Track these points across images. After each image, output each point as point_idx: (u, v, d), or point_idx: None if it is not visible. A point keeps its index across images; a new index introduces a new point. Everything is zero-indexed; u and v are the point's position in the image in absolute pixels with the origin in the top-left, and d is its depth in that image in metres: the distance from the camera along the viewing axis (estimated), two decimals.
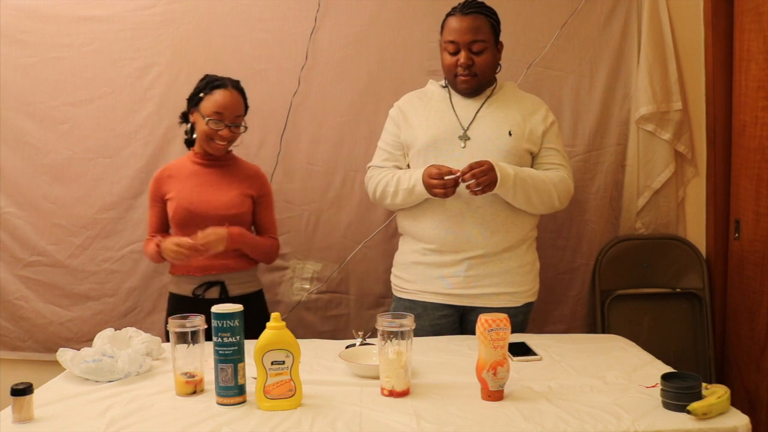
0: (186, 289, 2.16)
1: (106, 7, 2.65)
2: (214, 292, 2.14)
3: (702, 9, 2.68)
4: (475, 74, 2.10)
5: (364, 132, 2.66)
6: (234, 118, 2.13)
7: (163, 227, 2.22)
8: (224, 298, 2.12)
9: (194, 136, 2.19)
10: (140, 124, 2.68)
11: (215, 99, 2.11)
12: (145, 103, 2.68)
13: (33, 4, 2.65)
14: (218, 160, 2.19)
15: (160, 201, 2.19)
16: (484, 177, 1.96)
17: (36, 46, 2.67)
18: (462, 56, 2.08)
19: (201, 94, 2.14)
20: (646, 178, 2.71)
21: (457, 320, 2.21)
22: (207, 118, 2.10)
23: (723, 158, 2.66)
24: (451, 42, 2.10)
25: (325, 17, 2.66)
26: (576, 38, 2.67)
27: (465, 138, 2.10)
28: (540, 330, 2.56)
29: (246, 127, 2.19)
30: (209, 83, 2.15)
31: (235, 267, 2.17)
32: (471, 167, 1.97)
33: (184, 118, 2.24)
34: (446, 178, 1.99)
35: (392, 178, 2.15)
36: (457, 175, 1.98)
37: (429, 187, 2.03)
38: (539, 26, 2.66)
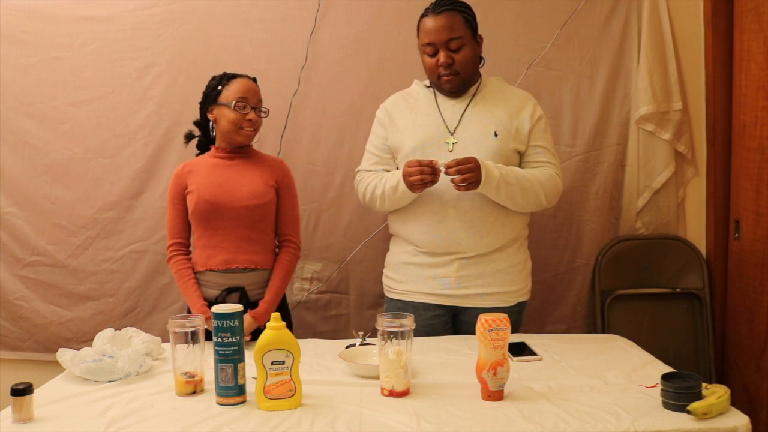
0: (207, 294, 2.10)
1: (106, 7, 2.65)
2: (233, 298, 2.08)
3: (702, 9, 2.68)
4: (456, 72, 2.08)
5: (364, 132, 2.64)
6: (257, 102, 2.11)
7: (185, 229, 2.14)
8: (244, 304, 2.07)
9: (213, 134, 2.15)
10: (140, 124, 2.68)
11: (236, 86, 2.09)
12: (145, 103, 2.68)
13: (33, 4, 2.65)
14: (240, 153, 2.14)
15: (181, 198, 2.12)
16: (469, 174, 1.95)
17: (36, 46, 2.67)
18: (441, 56, 2.06)
19: (219, 87, 2.11)
20: (646, 178, 2.71)
21: (450, 320, 2.20)
22: (233, 103, 2.06)
23: (723, 158, 2.66)
24: (428, 44, 2.08)
25: (325, 17, 2.66)
26: (576, 38, 2.67)
27: (452, 142, 2.09)
28: (540, 330, 2.56)
29: (268, 111, 2.16)
30: (224, 76, 2.14)
31: (258, 263, 2.12)
32: (458, 162, 1.95)
33: (199, 125, 2.21)
34: (424, 169, 1.96)
35: (380, 180, 2.14)
36: (436, 164, 1.96)
37: (406, 177, 2.00)
38: (539, 26, 2.66)
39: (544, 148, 2.14)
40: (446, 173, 1.96)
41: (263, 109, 2.14)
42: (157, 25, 2.66)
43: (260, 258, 2.12)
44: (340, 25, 2.67)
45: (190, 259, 2.14)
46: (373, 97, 2.64)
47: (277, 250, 2.19)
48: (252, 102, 2.10)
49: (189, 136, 2.23)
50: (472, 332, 2.03)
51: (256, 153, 2.20)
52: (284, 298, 2.25)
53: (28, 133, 2.69)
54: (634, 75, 2.68)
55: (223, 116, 2.09)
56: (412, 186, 2.00)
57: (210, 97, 2.13)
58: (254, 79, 2.17)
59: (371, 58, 2.68)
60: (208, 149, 2.20)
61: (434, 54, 2.08)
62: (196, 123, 2.22)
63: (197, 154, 2.24)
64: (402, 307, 2.15)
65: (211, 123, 2.14)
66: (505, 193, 2.03)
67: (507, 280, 2.13)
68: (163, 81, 2.67)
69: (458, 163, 1.95)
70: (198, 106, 2.20)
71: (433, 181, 1.98)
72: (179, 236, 2.14)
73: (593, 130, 2.69)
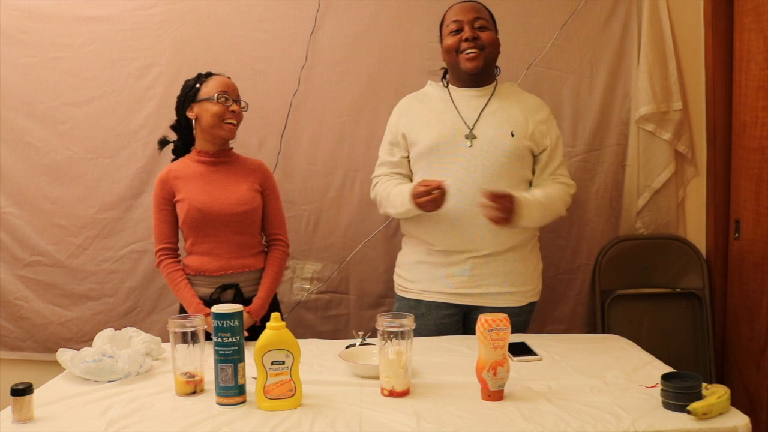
0: (201, 292, 2.11)
1: (106, 7, 2.66)
2: (228, 296, 2.11)
3: (702, 9, 2.68)
4: (482, 48, 2.10)
5: (364, 132, 2.66)
6: (236, 96, 2.15)
7: (173, 234, 2.15)
8: (239, 300, 2.09)
9: (193, 135, 2.17)
10: (140, 124, 2.68)
11: (215, 82, 2.12)
12: (145, 103, 2.68)
13: (33, 4, 2.66)
14: (223, 156, 2.16)
15: (168, 204, 2.12)
16: (503, 216, 1.96)
17: (36, 46, 2.67)
18: (466, 31, 2.09)
19: (197, 85, 2.13)
20: (646, 178, 2.71)
21: (461, 319, 2.20)
22: (216, 95, 2.08)
23: (723, 158, 2.66)
24: (454, 21, 2.12)
25: (325, 17, 2.66)
26: (576, 38, 2.67)
27: (471, 137, 2.10)
28: (540, 330, 2.56)
29: (247, 104, 2.18)
30: (200, 75, 2.16)
31: (252, 266, 2.14)
32: (496, 197, 1.95)
33: (177, 128, 2.21)
34: (434, 192, 1.97)
35: (386, 200, 2.15)
36: (443, 184, 1.96)
37: (419, 206, 2.02)
38: (539, 26, 2.66)
39: (562, 163, 2.18)
40: (482, 204, 1.96)
41: (242, 103, 2.17)
42: (157, 25, 2.66)
43: (252, 261, 2.15)
44: (340, 25, 2.67)
45: (179, 262, 2.15)
46: (373, 97, 2.65)
47: (265, 249, 2.22)
48: (232, 96, 2.13)
49: (163, 142, 2.24)
50: None
51: (237, 157, 2.21)
52: (276, 298, 2.26)
53: (28, 133, 2.69)
54: (634, 75, 2.68)
55: (205, 111, 2.10)
56: (428, 211, 2.02)
57: (189, 96, 2.14)
58: (228, 77, 2.19)
59: (371, 58, 2.68)
60: (186, 152, 2.20)
61: (458, 31, 2.11)
62: (173, 127, 2.22)
63: (173, 160, 2.23)
64: (414, 306, 2.15)
65: (193, 122, 2.14)
66: (532, 224, 2.11)
67: (520, 280, 2.14)
68: (163, 81, 2.66)
69: (496, 197, 1.95)
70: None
71: (444, 201, 1.99)
72: (167, 240, 2.14)
73: (593, 130, 2.69)
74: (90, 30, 2.66)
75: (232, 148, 2.22)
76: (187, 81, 2.18)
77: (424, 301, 2.16)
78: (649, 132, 2.68)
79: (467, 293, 2.12)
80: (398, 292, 2.26)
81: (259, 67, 2.66)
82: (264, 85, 2.65)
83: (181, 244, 2.19)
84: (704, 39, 2.69)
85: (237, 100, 2.14)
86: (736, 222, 2.58)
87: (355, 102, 2.69)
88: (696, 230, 2.77)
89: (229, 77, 2.18)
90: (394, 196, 2.13)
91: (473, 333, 2.08)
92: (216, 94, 2.08)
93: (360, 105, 2.68)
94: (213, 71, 2.17)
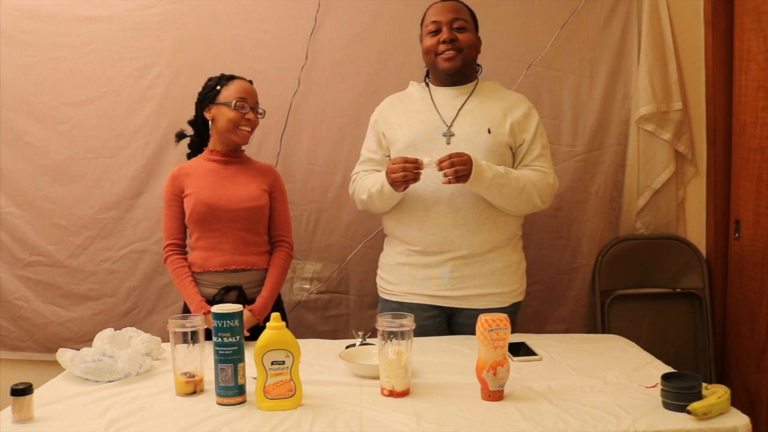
0: (204, 293, 2.12)
1: (106, 7, 2.66)
2: (231, 297, 2.11)
3: (702, 9, 2.68)
4: (460, 49, 2.10)
5: (364, 132, 2.62)
6: (254, 103, 2.17)
7: (181, 230, 2.17)
8: (242, 302, 2.09)
9: (210, 132, 2.18)
10: (140, 124, 2.68)
11: (235, 87, 2.14)
12: (145, 103, 2.68)
13: (33, 4, 2.66)
14: (235, 158, 2.19)
15: (177, 200, 2.14)
16: (461, 167, 1.92)
17: (36, 46, 2.67)
18: (444, 33, 2.09)
19: (218, 87, 2.15)
20: (646, 178, 2.71)
21: (445, 321, 2.19)
22: (234, 101, 2.10)
23: (723, 158, 2.66)
24: (433, 22, 2.11)
25: (325, 17, 2.66)
26: (576, 38, 2.67)
27: (449, 135, 2.10)
28: (540, 330, 2.57)
29: (264, 112, 2.20)
30: (222, 77, 2.18)
31: (255, 264, 2.15)
32: (450, 156, 1.94)
33: (194, 124, 2.24)
34: (408, 166, 1.94)
35: (370, 182, 2.12)
36: (421, 163, 1.94)
37: (389, 174, 1.98)
38: (539, 26, 2.66)
39: (541, 154, 2.13)
40: (440, 168, 1.95)
41: (260, 111, 2.18)
42: (157, 25, 2.66)
43: (256, 259, 2.16)
44: (340, 25, 2.67)
45: (186, 259, 2.16)
46: (373, 97, 2.64)
47: (270, 251, 2.23)
48: (250, 103, 2.15)
49: (180, 135, 2.28)
50: (467, 333, 2.02)
51: (248, 159, 2.25)
52: (280, 297, 2.26)
53: (28, 133, 2.69)
54: (634, 75, 2.68)
55: (221, 115, 2.12)
56: (394, 183, 1.99)
57: (208, 97, 2.16)
58: (250, 82, 2.21)
59: (371, 58, 2.68)
60: (201, 150, 2.23)
61: (436, 32, 2.11)
62: (191, 122, 2.25)
63: (188, 154, 2.27)
64: (396, 308, 2.14)
65: (209, 122, 2.16)
66: (497, 193, 2.01)
67: (501, 281, 2.13)
68: (163, 81, 2.67)
69: (451, 156, 1.94)
70: (194, 106, 2.22)
71: (416, 179, 1.96)
72: (175, 237, 2.16)
73: (593, 130, 2.69)
74: (90, 30, 2.66)
75: (243, 151, 2.24)
76: (209, 80, 2.20)
77: (406, 303, 2.15)
78: (649, 132, 2.68)
79: (448, 296, 2.12)
80: (381, 294, 2.25)
81: (259, 67, 2.65)
82: (264, 85, 2.63)
83: (188, 241, 2.20)
84: (704, 39, 2.69)
85: (254, 108, 2.16)
86: (736, 222, 2.58)
87: (355, 102, 2.69)
88: (696, 230, 2.77)
89: (250, 81, 2.19)
90: (370, 179, 2.13)
91: (458, 334, 2.10)
92: (234, 101, 2.11)
93: (360, 105, 2.68)
94: (233, 76, 2.18)
